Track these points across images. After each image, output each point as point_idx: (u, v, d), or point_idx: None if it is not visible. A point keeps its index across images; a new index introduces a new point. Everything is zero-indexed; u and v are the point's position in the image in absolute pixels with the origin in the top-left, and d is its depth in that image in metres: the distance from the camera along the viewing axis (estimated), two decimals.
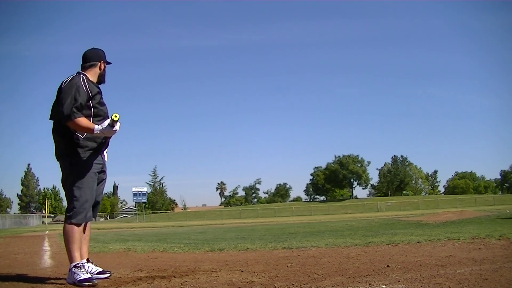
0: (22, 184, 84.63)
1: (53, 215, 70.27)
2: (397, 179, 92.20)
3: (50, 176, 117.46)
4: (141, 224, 36.17)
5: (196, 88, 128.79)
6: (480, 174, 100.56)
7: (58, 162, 3.34)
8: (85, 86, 3.25)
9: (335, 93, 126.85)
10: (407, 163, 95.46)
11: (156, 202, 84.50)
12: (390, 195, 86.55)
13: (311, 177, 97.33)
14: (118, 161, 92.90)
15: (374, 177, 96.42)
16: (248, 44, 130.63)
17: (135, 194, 59.83)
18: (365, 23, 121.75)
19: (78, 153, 3.22)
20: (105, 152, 3.45)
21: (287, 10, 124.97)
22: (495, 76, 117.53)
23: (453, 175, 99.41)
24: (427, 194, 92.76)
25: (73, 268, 3.12)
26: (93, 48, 3.52)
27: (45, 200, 70.25)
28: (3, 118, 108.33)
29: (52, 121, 3.36)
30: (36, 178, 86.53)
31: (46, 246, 8.32)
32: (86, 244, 3.41)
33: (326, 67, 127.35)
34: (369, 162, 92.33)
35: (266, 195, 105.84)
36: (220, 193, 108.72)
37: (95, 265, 3.44)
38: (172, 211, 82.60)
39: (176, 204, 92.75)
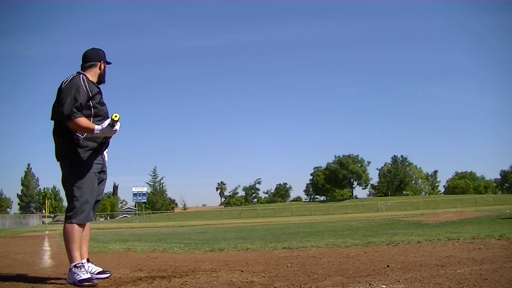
0: (22, 184, 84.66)
1: (53, 215, 70.29)
2: (397, 179, 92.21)
3: (50, 176, 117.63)
4: (141, 224, 36.17)
5: (196, 88, 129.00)
6: (480, 174, 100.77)
7: (58, 162, 3.34)
8: (85, 86, 3.25)
9: (335, 93, 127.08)
10: (407, 163, 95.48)
11: (156, 202, 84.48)
12: (390, 195, 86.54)
13: (311, 177, 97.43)
14: (118, 161, 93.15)
15: (374, 177, 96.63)
16: (248, 44, 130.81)
17: (135, 194, 59.84)
18: (365, 23, 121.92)
19: (78, 153, 3.22)
20: (105, 152, 3.45)
21: (287, 10, 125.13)
22: (495, 76, 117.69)
23: (453, 175, 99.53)
24: (427, 194, 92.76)
25: (73, 268, 3.12)
26: (93, 48, 3.52)
27: (45, 200, 70.24)
28: (3, 118, 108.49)
29: (53, 121, 3.36)
30: (36, 178, 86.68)
31: (46, 246, 8.32)
32: (86, 244, 3.41)
33: (326, 67, 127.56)
34: (369, 162, 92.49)
35: (266, 195, 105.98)
36: (220, 193, 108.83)
37: (95, 265, 3.45)
38: (172, 211, 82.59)
39: (176, 204, 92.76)
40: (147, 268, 3.99)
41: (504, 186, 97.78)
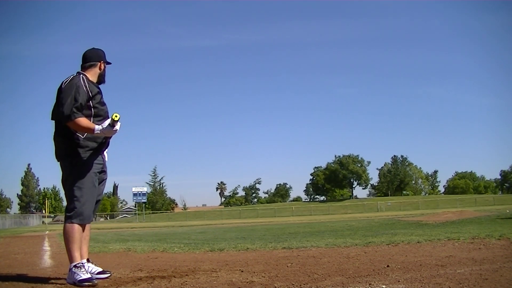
0: (22, 184, 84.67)
1: (53, 215, 70.32)
2: (397, 179, 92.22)
3: (50, 176, 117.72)
4: (141, 224, 36.17)
5: (196, 88, 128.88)
6: (480, 174, 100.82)
7: (59, 163, 3.34)
8: (85, 86, 3.25)
9: (335, 93, 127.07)
10: (407, 163, 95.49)
11: (156, 202, 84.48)
12: (390, 195, 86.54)
13: (311, 177, 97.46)
14: (118, 161, 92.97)
15: (374, 177, 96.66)
16: (248, 44, 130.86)
17: (135, 194, 59.83)
18: (365, 23, 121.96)
19: (79, 153, 3.22)
20: (105, 152, 3.45)
21: (287, 10, 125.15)
22: (495, 76, 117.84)
23: (453, 175, 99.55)
24: (427, 194, 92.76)
25: (73, 268, 3.12)
26: (93, 48, 3.52)
27: (45, 200, 70.17)
28: (3, 118, 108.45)
29: (54, 122, 3.36)
30: (36, 178, 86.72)
31: (46, 246, 8.32)
32: (86, 244, 3.41)
33: (326, 67, 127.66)
34: (369, 162, 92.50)
35: (266, 195, 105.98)
36: (220, 193, 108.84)
37: (95, 265, 3.45)
38: (172, 211, 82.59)
39: (176, 204, 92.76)
40: (147, 268, 3.99)
41: (504, 186, 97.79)
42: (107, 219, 72.71)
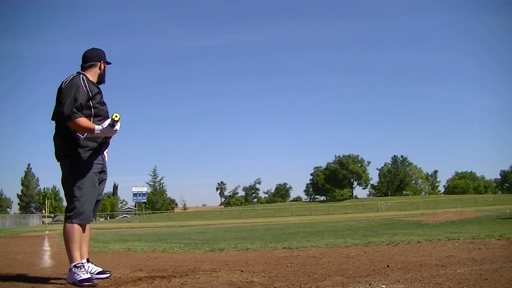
0: (22, 184, 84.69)
1: (53, 215, 70.30)
2: (397, 179, 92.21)
3: (50, 176, 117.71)
4: (141, 224, 36.17)
5: (196, 88, 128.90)
6: (480, 174, 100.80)
7: (59, 163, 3.34)
8: (85, 86, 3.25)
9: (335, 93, 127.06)
10: (407, 163, 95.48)
11: (156, 202, 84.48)
12: (390, 195, 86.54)
13: (311, 177, 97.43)
14: (118, 161, 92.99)
15: (374, 177, 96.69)
16: (248, 44, 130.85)
17: (135, 194, 59.84)
18: (365, 23, 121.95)
19: (79, 153, 3.22)
20: (105, 152, 3.45)
21: (287, 10, 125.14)
22: (495, 76, 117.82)
23: (453, 175, 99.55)
24: (427, 194, 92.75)
25: (73, 268, 3.12)
26: (93, 48, 3.52)
27: (45, 200, 70.26)
28: (3, 118, 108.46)
29: (54, 122, 3.36)
30: (36, 178, 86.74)
31: (46, 246, 8.32)
32: (86, 244, 3.41)
33: (326, 67, 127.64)
34: (369, 162, 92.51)
35: (266, 195, 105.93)
36: (220, 193, 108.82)
37: (95, 265, 3.44)
38: (172, 211, 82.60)
39: (176, 204, 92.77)
40: (147, 268, 3.99)
41: (504, 186, 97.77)
42: (107, 219, 72.71)
